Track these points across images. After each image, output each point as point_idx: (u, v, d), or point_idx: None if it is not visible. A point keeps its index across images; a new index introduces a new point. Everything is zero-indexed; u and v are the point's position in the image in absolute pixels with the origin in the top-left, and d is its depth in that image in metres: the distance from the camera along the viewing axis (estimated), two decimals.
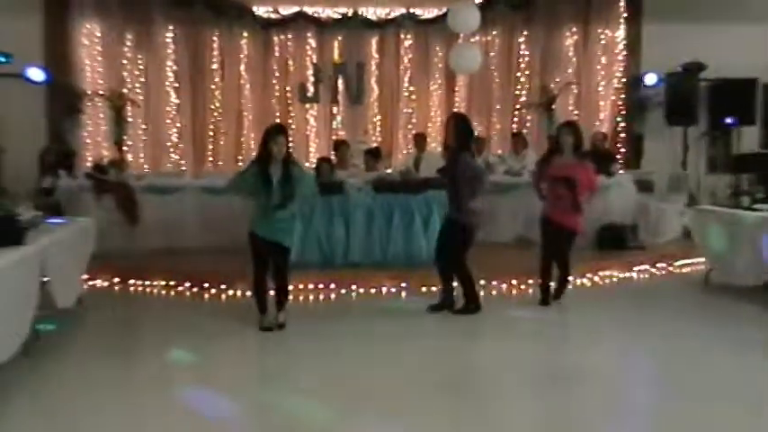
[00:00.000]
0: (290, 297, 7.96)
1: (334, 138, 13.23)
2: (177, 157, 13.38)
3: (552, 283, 7.82)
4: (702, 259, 9.57)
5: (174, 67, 13.38)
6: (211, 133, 13.62)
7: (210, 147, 13.64)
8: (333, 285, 8.55)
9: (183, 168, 13.19)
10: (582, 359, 6.10)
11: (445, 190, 7.45)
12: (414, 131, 13.48)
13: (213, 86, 13.56)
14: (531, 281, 8.75)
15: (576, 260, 8.66)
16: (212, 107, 13.59)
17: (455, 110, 13.21)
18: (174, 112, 13.39)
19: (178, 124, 13.40)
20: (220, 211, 10.41)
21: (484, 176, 7.36)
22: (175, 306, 8.10)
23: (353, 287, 8.54)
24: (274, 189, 6.55)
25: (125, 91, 13.08)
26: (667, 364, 5.96)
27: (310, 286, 8.48)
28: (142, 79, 13.31)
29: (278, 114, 13.72)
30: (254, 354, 6.35)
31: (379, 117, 14.06)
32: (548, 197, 7.61)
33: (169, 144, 13.37)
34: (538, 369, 5.84)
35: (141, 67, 13.30)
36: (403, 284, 8.58)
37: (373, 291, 8.52)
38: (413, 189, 9.57)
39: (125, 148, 13.02)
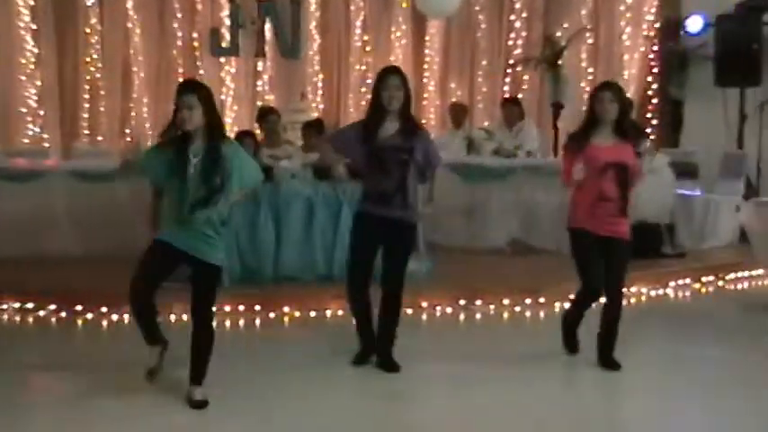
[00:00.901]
0: None
1: (259, 104, 13.21)
2: (37, 129, 13.24)
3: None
4: (764, 271, 9.74)
5: (31, 1, 13.24)
6: (87, 96, 13.51)
7: (85, 115, 13.53)
8: (258, 307, 8.53)
9: (46, 145, 13.07)
10: (602, 416, 6.17)
11: (368, 176, 6.86)
12: (369, 96, 13.48)
13: (88, 30, 13.45)
14: (528, 300, 8.90)
15: None
16: (87, 59, 13.47)
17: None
18: (30, 66, 13.25)
19: (38, 83, 13.27)
20: (100, 206, 10.33)
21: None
22: (34, 338, 8.02)
23: (286, 309, 8.54)
24: (189, 178, 5.85)
25: None
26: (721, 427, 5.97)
27: (226, 308, 8.43)
28: None
29: (181, 71, 13.67)
30: (146, 412, 6.27)
31: (321, 76, 14.08)
32: (583, 197, 6.89)
33: (25, 110, 13.22)
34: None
35: None
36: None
37: (314, 314, 8.52)
38: None
39: None
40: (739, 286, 10.26)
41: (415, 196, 6.79)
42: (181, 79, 13.19)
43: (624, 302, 7.35)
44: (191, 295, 6.05)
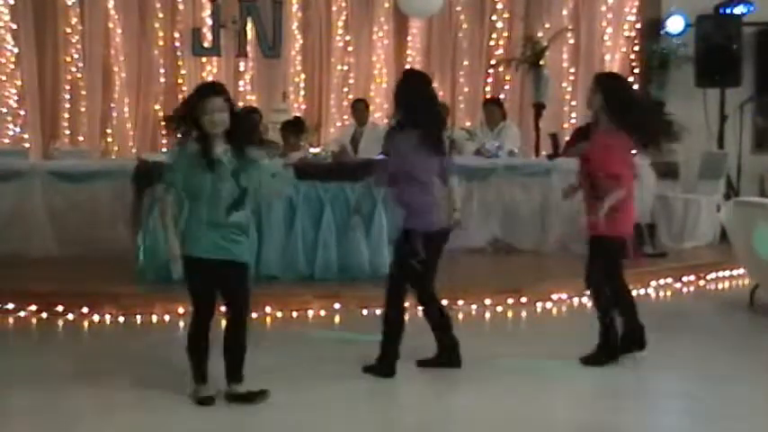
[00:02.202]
0: (180, 324, 7.93)
1: (241, 104, 13.15)
2: (17, 128, 13.18)
3: None
4: (745, 271, 9.76)
5: (10, 0, 13.17)
6: (67, 96, 13.45)
7: (66, 116, 13.46)
8: None
9: (27, 145, 13.00)
10: (586, 417, 6.18)
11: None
12: (351, 96, 13.49)
13: (69, 30, 13.38)
14: (510, 300, 8.91)
15: (572, 272, 8.79)
16: (68, 59, 13.41)
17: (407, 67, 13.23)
18: (11, 66, 13.19)
19: (18, 82, 13.20)
20: (81, 206, 10.33)
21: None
22: (13, 340, 7.99)
23: (268, 309, 8.52)
24: (223, 182, 5.84)
25: None
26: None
27: None
28: None
29: (162, 71, 13.62)
30: (129, 410, 6.25)
31: (303, 76, 14.04)
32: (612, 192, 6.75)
33: (5, 110, 13.16)
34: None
35: None
36: (336, 306, 8.60)
37: (296, 314, 8.52)
38: (350, 175, 9.57)
39: None
40: (720, 286, 10.30)
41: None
42: (162, 79, 13.29)
43: None
44: (225, 299, 6.04)
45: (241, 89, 13.76)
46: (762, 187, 13.17)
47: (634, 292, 9.35)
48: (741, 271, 10.13)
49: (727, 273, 10.49)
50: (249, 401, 5.97)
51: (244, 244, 6.00)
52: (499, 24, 14.04)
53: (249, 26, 13.32)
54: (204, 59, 13.62)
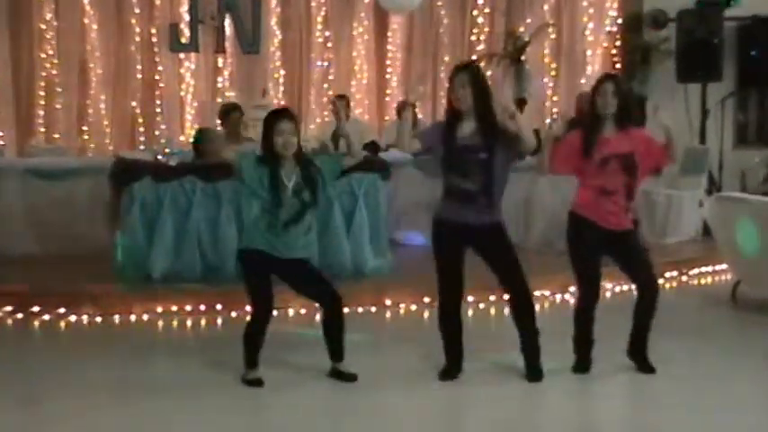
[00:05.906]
0: (159, 324, 7.91)
1: (220, 100, 13.13)
2: None
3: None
4: (728, 266, 9.77)
5: None
6: (42, 93, 13.37)
7: (41, 113, 13.39)
8: (219, 306, 8.49)
9: (1, 143, 12.93)
10: (571, 416, 6.19)
11: (448, 177, 6.50)
12: (331, 92, 13.46)
13: (43, 26, 13.32)
14: (493, 297, 8.92)
15: (556, 269, 8.77)
16: (43, 55, 13.34)
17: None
18: None
19: None
20: (57, 204, 10.26)
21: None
22: None
23: (248, 309, 8.45)
24: (286, 199, 6.33)
25: None
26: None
27: (187, 308, 8.40)
28: None
29: (140, 67, 13.55)
30: (103, 412, 6.22)
31: (282, 72, 14.01)
32: (585, 193, 6.83)
33: None
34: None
35: None
36: (317, 304, 8.55)
37: (275, 313, 8.46)
38: None
39: None
40: (702, 281, 10.33)
41: (500, 197, 6.58)
42: (139, 75, 13.23)
43: None
44: (314, 290, 6.91)
45: (220, 85, 13.73)
46: (743, 182, 13.21)
47: (617, 288, 9.44)
48: (723, 266, 10.16)
49: (709, 268, 10.51)
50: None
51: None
52: (480, 20, 14.07)
53: (228, 22, 13.27)
54: (182, 56, 13.57)
